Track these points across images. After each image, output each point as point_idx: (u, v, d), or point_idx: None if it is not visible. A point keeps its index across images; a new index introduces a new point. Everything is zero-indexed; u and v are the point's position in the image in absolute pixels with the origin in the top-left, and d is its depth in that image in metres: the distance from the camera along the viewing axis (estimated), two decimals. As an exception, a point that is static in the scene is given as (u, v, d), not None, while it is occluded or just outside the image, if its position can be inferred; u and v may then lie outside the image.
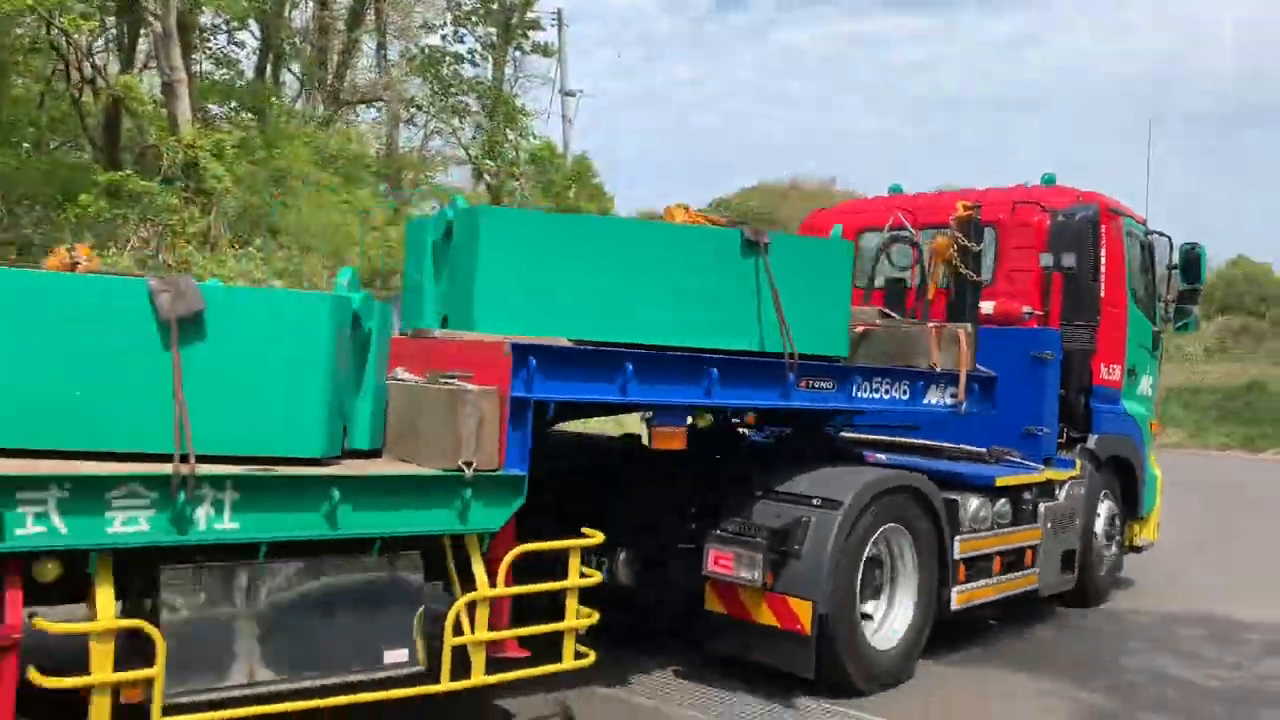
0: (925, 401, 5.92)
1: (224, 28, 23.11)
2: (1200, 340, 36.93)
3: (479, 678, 4.23)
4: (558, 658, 4.50)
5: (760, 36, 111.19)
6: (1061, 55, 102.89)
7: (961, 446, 6.93)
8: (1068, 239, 6.94)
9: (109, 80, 18.47)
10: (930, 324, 6.13)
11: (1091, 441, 7.55)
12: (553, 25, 30.35)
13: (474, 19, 26.62)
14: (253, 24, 23.96)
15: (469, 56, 26.94)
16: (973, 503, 6.21)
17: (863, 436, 7.07)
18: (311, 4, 26.65)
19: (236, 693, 3.72)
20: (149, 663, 3.47)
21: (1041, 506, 6.86)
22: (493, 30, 27.44)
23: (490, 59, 27.85)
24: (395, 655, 4.08)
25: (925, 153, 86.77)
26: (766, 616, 5.24)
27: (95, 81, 19.25)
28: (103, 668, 3.43)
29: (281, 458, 3.85)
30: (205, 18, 21.55)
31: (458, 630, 4.17)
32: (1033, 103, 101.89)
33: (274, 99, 23.49)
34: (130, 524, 3.47)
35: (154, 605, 3.67)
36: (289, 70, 27.41)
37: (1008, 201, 7.48)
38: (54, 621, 3.44)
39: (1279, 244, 73.28)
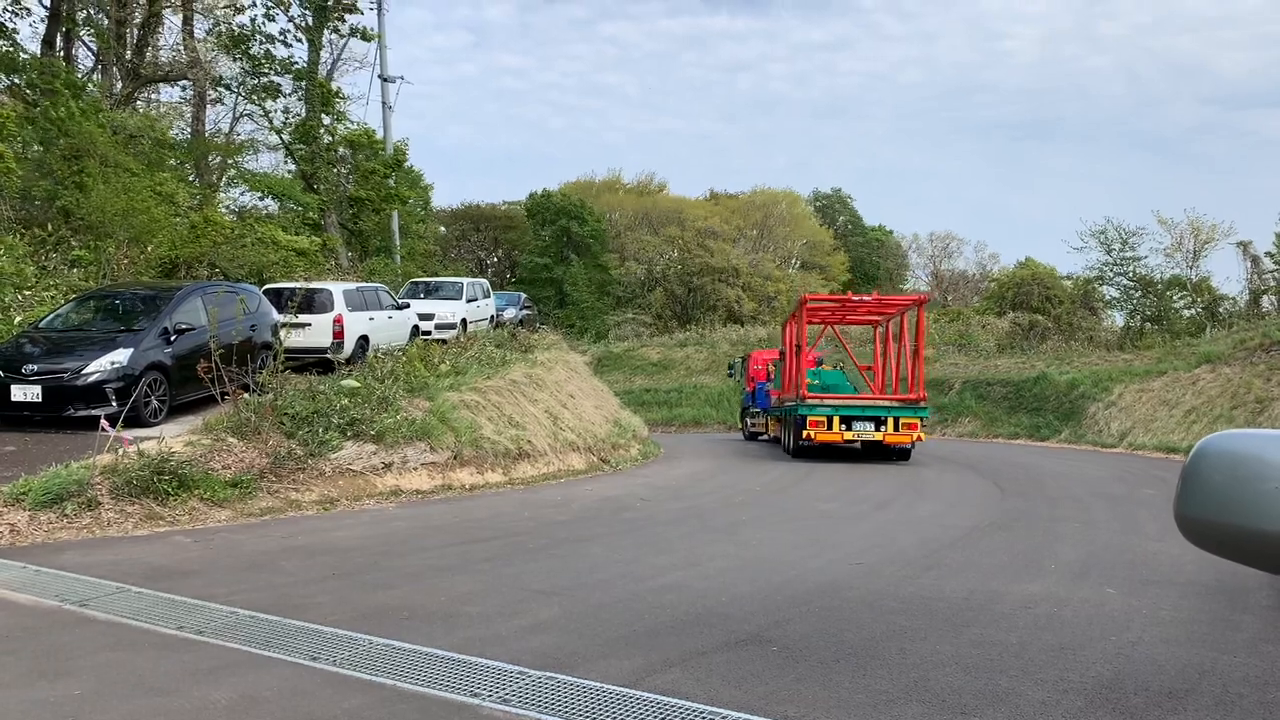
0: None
1: (4, -7, 21.38)
2: (993, 335, 39.49)
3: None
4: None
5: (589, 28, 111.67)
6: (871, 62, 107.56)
7: None
8: None
9: None
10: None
11: None
12: (372, 9, 29.53)
13: (286, 1, 25.56)
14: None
15: (281, 37, 25.90)
16: None
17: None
18: (107, -28, 25.01)
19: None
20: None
21: None
22: (307, 11, 26.44)
23: (306, 40, 26.86)
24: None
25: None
26: None
27: None
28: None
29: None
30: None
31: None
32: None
33: (63, 72, 21.87)
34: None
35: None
36: (82, 42, 25.66)
37: None
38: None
39: (1059, 245, 79.40)
